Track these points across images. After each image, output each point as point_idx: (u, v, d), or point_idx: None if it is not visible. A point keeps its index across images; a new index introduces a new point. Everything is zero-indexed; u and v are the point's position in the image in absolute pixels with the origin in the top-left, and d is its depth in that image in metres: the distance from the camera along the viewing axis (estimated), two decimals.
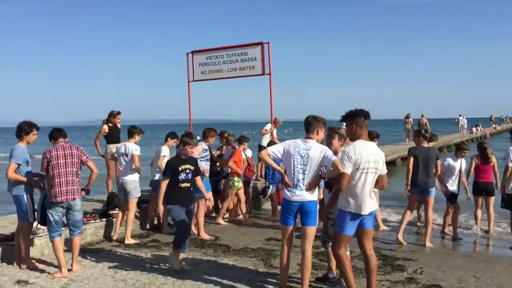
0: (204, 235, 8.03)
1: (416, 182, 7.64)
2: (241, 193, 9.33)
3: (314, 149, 4.89)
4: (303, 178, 4.88)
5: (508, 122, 71.74)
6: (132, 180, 7.82)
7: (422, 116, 26.87)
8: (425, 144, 7.79)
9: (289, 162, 4.94)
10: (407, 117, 25.57)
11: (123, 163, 7.86)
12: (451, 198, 8.33)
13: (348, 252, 5.03)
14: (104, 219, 8.12)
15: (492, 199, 8.62)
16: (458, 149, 8.66)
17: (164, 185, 6.08)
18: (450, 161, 8.52)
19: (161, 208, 6.12)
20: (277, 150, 5.02)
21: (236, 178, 9.08)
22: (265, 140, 12.51)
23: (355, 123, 4.74)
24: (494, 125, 55.79)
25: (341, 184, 4.62)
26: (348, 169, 4.60)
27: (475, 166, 8.66)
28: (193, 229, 7.89)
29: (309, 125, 5.08)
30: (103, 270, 6.17)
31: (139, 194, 7.94)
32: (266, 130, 12.55)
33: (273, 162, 5.07)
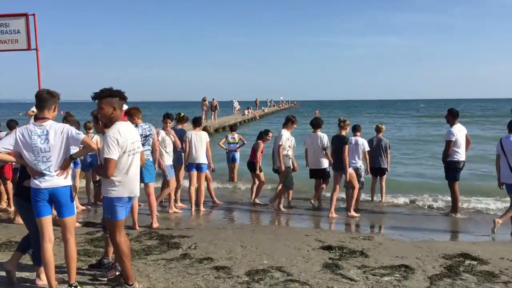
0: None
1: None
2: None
3: (53, 132, 4.38)
4: (50, 166, 4.38)
5: (274, 105, 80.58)
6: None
7: (213, 99, 32.65)
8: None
9: (30, 152, 4.35)
10: (204, 99, 30.67)
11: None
12: None
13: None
14: None
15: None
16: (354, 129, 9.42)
17: None
18: None
19: None
20: (8, 143, 4.36)
21: None
22: None
23: (115, 103, 4.46)
24: (262, 108, 62.21)
25: (108, 171, 4.34)
26: (115, 154, 4.34)
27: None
28: None
29: (45, 102, 4.43)
30: None
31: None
32: (33, 111, 11.48)
33: (7, 155, 4.46)
